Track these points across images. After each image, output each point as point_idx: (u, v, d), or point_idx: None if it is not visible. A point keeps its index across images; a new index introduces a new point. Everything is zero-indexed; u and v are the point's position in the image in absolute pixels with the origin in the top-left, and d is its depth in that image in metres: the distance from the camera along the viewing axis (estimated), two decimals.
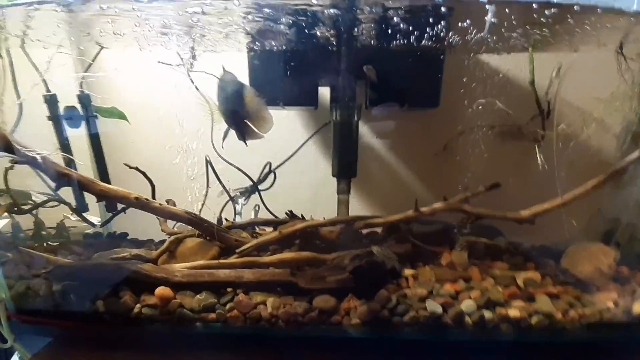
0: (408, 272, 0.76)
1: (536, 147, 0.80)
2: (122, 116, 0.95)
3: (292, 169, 1.09)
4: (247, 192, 1.08)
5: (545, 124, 0.82)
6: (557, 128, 0.77)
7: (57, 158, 0.93)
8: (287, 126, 1.11)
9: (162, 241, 0.95)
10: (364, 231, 0.89)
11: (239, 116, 0.73)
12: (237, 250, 0.80)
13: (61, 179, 0.70)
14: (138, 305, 0.68)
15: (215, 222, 0.85)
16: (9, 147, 0.65)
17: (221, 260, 0.77)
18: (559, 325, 0.65)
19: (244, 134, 0.75)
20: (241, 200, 1.09)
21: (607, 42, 0.79)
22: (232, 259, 0.78)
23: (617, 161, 0.77)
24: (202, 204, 0.99)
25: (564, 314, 0.65)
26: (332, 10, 0.59)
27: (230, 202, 1.03)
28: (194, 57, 0.79)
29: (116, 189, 0.76)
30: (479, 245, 0.84)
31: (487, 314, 0.66)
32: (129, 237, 1.01)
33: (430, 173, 1.04)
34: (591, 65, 0.84)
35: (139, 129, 1.02)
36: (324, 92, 1.00)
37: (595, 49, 0.83)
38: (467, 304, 0.67)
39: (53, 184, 0.74)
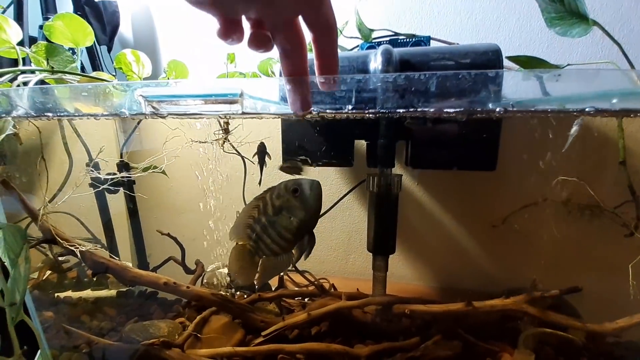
0: None
1: None
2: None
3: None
4: None
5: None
6: None
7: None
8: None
9: (189, 303, 0.93)
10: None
11: None
12: (263, 334, 0.75)
13: (98, 267, 0.77)
14: None
15: None
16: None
17: (246, 348, 0.72)
18: None
19: None
20: None
21: None
22: (256, 346, 0.73)
23: None
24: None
25: None
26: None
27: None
28: (227, 131, 0.74)
29: (148, 274, 0.79)
30: (549, 339, 0.70)
31: None
32: (158, 296, 1.00)
33: (485, 248, 0.89)
34: None
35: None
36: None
37: None
38: None
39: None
